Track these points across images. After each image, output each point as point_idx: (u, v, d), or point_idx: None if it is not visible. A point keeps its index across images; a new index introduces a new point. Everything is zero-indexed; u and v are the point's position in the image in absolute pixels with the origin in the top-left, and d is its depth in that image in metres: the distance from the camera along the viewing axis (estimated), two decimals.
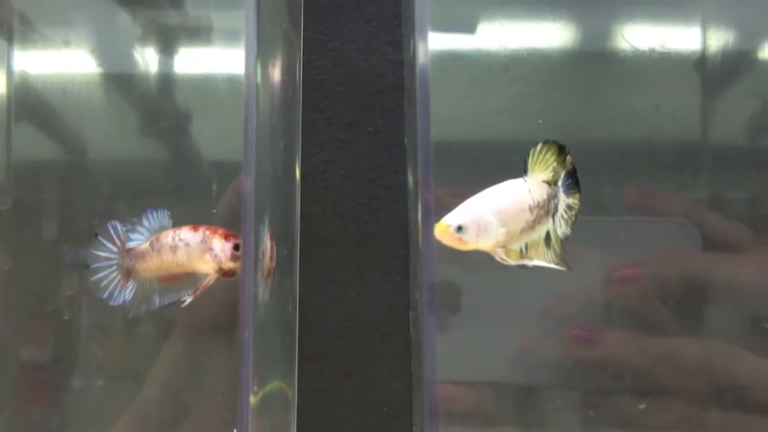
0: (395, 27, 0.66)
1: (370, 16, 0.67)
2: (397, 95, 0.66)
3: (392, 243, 0.66)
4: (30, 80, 0.62)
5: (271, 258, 0.53)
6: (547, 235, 0.51)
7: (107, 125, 0.62)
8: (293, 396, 0.64)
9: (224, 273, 0.52)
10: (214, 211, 0.58)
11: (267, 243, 0.52)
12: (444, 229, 0.47)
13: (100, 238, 0.55)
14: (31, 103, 0.62)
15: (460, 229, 0.48)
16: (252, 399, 0.47)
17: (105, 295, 0.54)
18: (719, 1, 0.59)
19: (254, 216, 0.48)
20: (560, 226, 0.51)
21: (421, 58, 0.50)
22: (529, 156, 0.50)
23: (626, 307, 0.56)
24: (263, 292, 0.52)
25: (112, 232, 0.55)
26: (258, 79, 0.49)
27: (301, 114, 0.66)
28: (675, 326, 0.56)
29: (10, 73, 0.62)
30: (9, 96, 0.61)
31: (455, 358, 0.56)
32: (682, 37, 0.58)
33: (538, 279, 0.53)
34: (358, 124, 0.67)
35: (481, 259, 0.51)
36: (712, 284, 0.56)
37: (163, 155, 0.62)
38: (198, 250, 0.53)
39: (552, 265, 0.50)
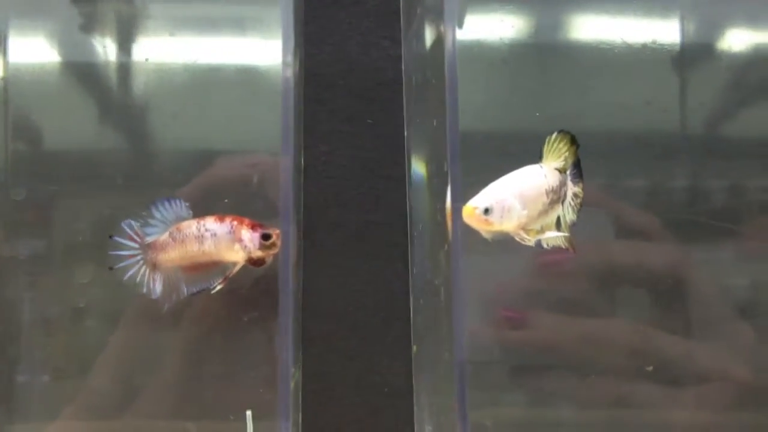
0: (394, 22, 0.69)
1: (369, 12, 0.69)
2: (395, 88, 0.68)
3: (392, 231, 0.68)
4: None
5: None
6: (557, 220, 0.55)
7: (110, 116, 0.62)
8: (299, 380, 0.66)
9: (253, 262, 0.54)
10: (226, 200, 0.59)
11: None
12: (471, 212, 0.51)
13: (117, 238, 0.55)
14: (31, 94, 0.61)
15: (486, 211, 0.51)
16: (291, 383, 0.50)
17: (144, 290, 0.55)
18: None
19: (294, 205, 0.50)
20: (568, 213, 0.55)
21: (449, 47, 0.52)
22: (544, 144, 0.54)
23: (552, 290, 0.60)
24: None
25: (128, 230, 0.55)
26: (296, 68, 0.51)
27: (302, 107, 0.67)
28: (596, 307, 0.60)
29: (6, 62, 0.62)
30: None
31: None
32: (677, 32, 0.62)
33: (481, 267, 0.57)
34: (358, 117, 0.69)
35: None
36: (626, 268, 0.60)
37: (165, 147, 0.62)
38: (227, 240, 0.54)
39: (558, 233, 0.54)
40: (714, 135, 0.62)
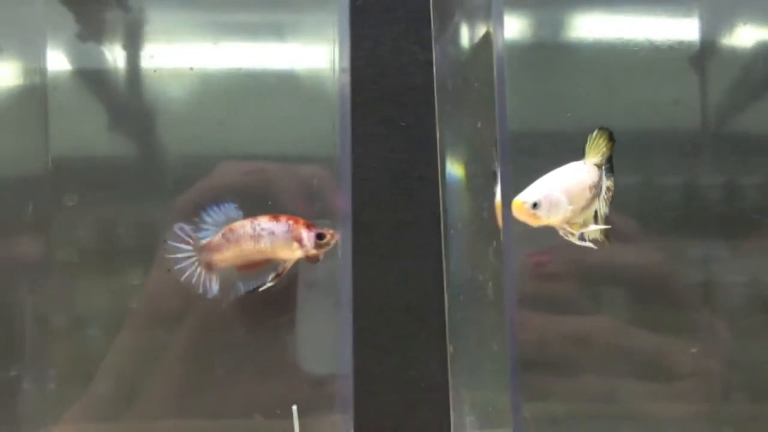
0: (424, 28, 0.71)
1: (399, 18, 0.71)
2: (426, 92, 0.71)
3: (425, 230, 0.71)
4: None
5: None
6: (594, 213, 0.58)
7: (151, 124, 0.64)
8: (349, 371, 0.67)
9: (309, 258, 0.57)
10: (269, 203, 0.60)
11: None
12: (520, 206, 0.53)
13: (171, 243, 0.57)
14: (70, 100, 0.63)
15: (535, 205, 0.53)
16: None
17: (201, 291, 0.57)
18: None
19: (349, 207, 0.53)
20: (603, 206, 0.58)
21: (499, 48, 0.54)
22: (587, 141, 0.56)
23: (540, 289, 0.63)
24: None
25: (181, 234, 0.57)
26: (349, 74, 0.53)
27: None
28: (582, 307, 0.63)
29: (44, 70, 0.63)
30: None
31: None
32: (700, 30, 0.65)
33: None
34: (390, 120, 0.71)
35: None
36: (608, 269, 0.63)
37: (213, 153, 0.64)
38: (284, 239, 0.56)
39: (599, 227, 0.56)
40: (741, 132, 0.64)
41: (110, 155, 0.62)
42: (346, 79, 0.55)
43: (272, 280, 0.57)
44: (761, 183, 0.63)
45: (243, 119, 0.62)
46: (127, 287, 0.60)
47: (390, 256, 0.70)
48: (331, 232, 0.57)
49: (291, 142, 0.62)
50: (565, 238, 0.55)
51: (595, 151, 0.56)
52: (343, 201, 0.56)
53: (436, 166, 0.70)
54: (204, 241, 0.57)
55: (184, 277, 0.57)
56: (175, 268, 0.57)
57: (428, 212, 0.70)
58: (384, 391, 0.70)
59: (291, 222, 0.57)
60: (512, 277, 0.54)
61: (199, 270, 0.57)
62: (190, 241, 0.57)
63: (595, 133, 0.56)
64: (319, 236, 0.57)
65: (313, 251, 0.57)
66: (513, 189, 0.55)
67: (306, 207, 0.59)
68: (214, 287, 0.57)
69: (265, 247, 0.57)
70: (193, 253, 0.57)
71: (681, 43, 0.64)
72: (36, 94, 0.61)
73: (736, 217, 0.63)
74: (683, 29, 0.64)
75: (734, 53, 0.65)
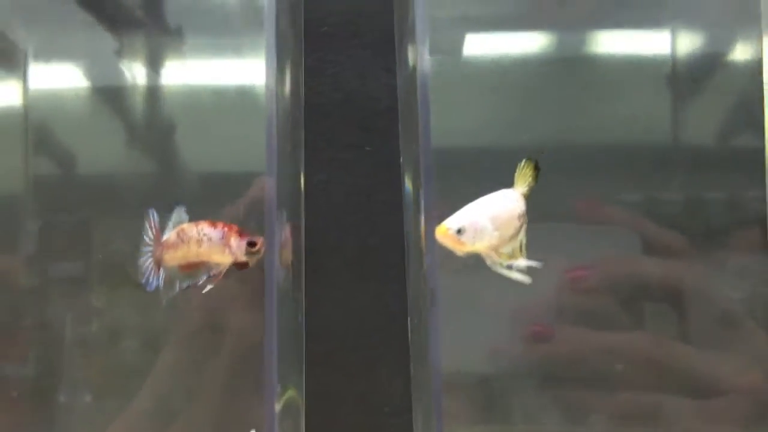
0: (389, 53, 0.72)
1: (365, 44, 0.72)
2: (391, 117, 0.71)
3: (389, 254, 0.71)
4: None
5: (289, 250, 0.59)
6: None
7: (111, 138, 0.66)
8: (302, 401, 0.68)
9: (238, 265, 0.58)
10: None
11: (286, 236, 0.59)
12: (444, 232, 0.53)
13: (146, 224, 0.60)
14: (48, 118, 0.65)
15: (459, 231, 0.53)
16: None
17: (143, 281, 0.59)
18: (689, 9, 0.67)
19: (275, 214, 0.54)
20: (524, 236, 0.58)
21: (421, 67, 0.56)
22: (516, 170, 0.57)
23: (579, 304, 0.63)
24: (284, 280, 0.57)
25: (152, 220, 0.60)
26: (276, 85, 0.55)
27: (303, 135, 0.70)
28: (621, 321, 0.63)
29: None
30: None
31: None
32: (655, 46, 0.66)
33: (503, 283, 0.59)
34: (356, 145, 0.72)
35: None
36: (651, 284, 0.63)
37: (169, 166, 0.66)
38: (218, 245, 0.58)
39: (531, 263, 0.57)
40: (699, 148, 0.65)
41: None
42: (272, 98, 0.56)
43: (206, 281, 0.59)
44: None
45: (192, 137, 0.64)
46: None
47: (355, 279, 0.71)
48: (261, 240, 0.58)
49: (240, 160, 0.63)
50: (492, 268, 0.55)
51: (522, 181, 0.57)
52: (270, 216, 0.58)
53: (399, 189, 0.70)
54: (164, 239, 0.59)
55: (138, 263, 0.59)
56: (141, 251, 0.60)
57: (392, 236, 0.71)
58: (348, 415, 0.70)
59: (225, 229, 0.58)
60: (436, 307, 0.54)
61: (149, 263, 0.59)
62: (153, 232, 0.59)
63: (522, 162, 0.57)
64: (250, 244, 0.58)
65: (243, 258, 0.58)
66: (438, 210, 0.56)
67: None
68: (153, 282, 0.59)
69: (204, 251, 0.59)
70: (151, 246, 0.59)
71: (637, 58, 0.64)
72: None
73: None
74: (617, 44, 0.65)
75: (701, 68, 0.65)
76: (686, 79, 0.66)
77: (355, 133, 0.72)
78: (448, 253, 0.55)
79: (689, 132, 0.66)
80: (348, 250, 0.71)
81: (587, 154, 0.65)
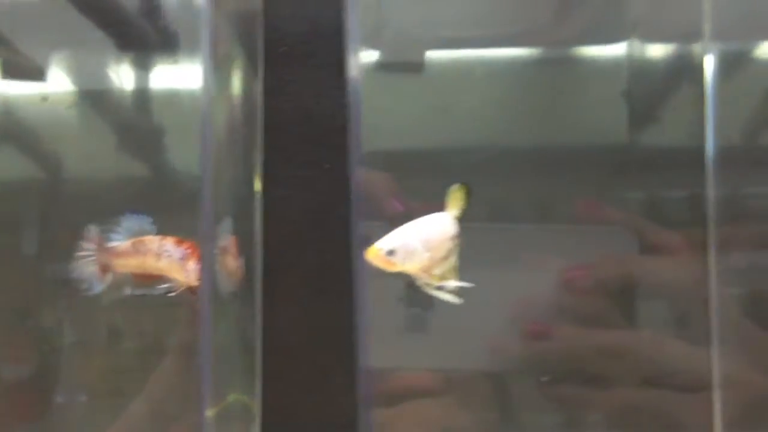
0: (345, 72, 0.72)
1: (322, 63, 0.73)
2: (345, 134, 0.72)
3: (346, 270, 0.72)
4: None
5: (238, 264, 0.60)
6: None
7: (76, 143, 0.70)
8: (257, 411, 0.69)
9: (190, 290, 0.60)
10: None
11: (231, 247, 0.60)
12: (375, 252, 0.54)
13: (81, 242, 0.63)
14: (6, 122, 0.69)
15: (390, 253, 0.54)
16: (209, 412, 0.54)
17: (83, 287, 0.63)
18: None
19: (210, 219, 0.55)
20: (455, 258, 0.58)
21: (353, 75, 0.57)
22: (449, 194, 0.57)
23: (576, 304, 0.63)
24: (227, 294, 0.59)
25: (89, 235, 0.63)
26: (214, 90, 0.57)
27: (262, 152, 0.72)
28: (618, 320, 0.63)
29: None
30: None
31: (428, 349, 0.65)
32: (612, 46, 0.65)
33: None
34: (314, 162, 0.73)
35: None
36: (647, 283, 0.63)
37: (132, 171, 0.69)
38: (179, 264, 0.60)
39: (463, 284, 0.57)
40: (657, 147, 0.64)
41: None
42: (208, 107, 0.57)
43: (163, 293, 0.61)
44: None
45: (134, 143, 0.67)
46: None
47: (311, 295, 0.72)
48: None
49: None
50: (423, 288, 0.56)
51: (455, 204, 0.57)
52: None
53: None
54: (111, 244, 0.62)
55: (74, 271, 0.62)
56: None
57: (349, 252, 0.72)
58: (303, 429, 0.71)
59: (189, 251, 0.60)
60: (363, 323, 0.55)
61: (92, 267, 0.61)
62: (94, 242, 0.62)
63: (456, 186, 0.57)
64: None
65: (196, 283, 0.59)
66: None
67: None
68: (97, 286, 0.61)
69: (163, 266, 0.61)
70: (92, 253, 0.62)
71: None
72: None
73: None
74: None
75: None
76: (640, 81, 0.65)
77: (314, 150, 0.73)
78: None
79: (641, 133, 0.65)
80: (306, 266, 0.72)
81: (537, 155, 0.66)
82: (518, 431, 0.65)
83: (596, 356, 0.63)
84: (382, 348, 0.65)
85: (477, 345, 0.65)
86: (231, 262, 0.61)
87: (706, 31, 0.62)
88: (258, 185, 0.71)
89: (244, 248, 0.67)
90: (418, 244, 0.55)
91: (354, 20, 0.59)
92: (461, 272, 0.62)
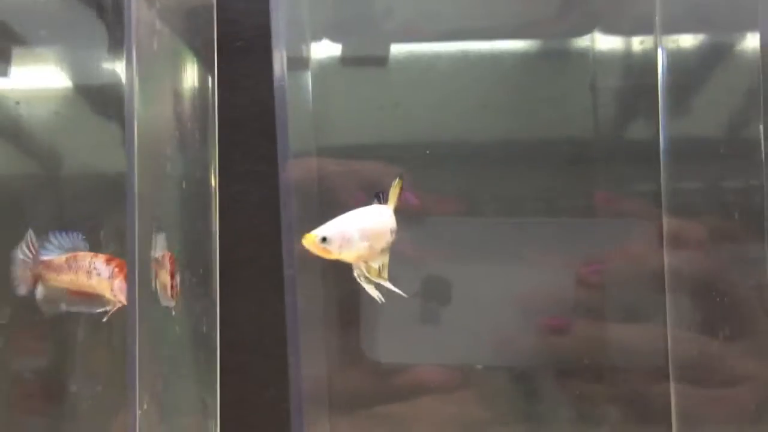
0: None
1: None
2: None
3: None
4: None
5: (172, 284, 0.59)
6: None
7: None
8: (215, 406, 0.70)
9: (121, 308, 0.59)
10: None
11: (166, 263, 0.59)
12: (311, 240, 0.54)
13: (23, 243, 0.63)
14: None
15: (324, 240, 0.54)
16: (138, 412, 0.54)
17: (15, 287, 0.63)
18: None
19: (135, 216, 0.54)
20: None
21: (278, 72, 0.56)
22: (390, 188, 0.57)
23: (593, 297, 0.64)
24: (164, 312, 0.59)
25: (28, 240, 0.63)
26: (137, 88, 0.55)
27: (217, 147, 0.72)
28: (636, 314, 0.64)
29: None
30: None
31: (442, 343, 0.65)
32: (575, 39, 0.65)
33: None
34: (270, 157, 0.73)
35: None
36: (668, 275, 0.63)
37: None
38: (106, 283, 0.59)
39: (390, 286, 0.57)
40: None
41: None
42: (132, 100, 0.56)
43: (101, 313, 0.60)
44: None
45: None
46: None
47: (269, 290, 0.72)
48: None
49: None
50: (358, 280, 0.56)
51: (393, 198, 0.57)
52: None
53: None
54: (45, 258, 0.61)
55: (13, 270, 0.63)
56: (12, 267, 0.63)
57: None
58: (261, 423, 0.72)
59: (116, 269, 0.59)
60: (295, 316, 0.55)
61: (26, 277, 0.62)
62: (31, 250, 0.62)
63: (396, 180, 0.57)
64: None
65: (122, 302, 0.58)
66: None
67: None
68: (23, 289, 0.62)
69: (94, 285, 0.60)
70: (28, 262, 0.62)
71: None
72: None
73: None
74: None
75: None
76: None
77: (270, 145, 0.73)
78: None
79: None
80: (263, 260, 0.72)
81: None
82: (532, 425, 0.66)
83: (611, 350, 0.63)
84: (394, 343, 0.65)
85: (490, 339, 0.66)
86: (165, 278, 0.59)
87: (657, 25, 0.62)
88: (214, 180, 0.71)
89: (196, 259, 0.67)
90: (354, 233, 0.55)
91: (278, 18, 0.58)
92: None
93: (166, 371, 0.60)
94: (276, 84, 0.57)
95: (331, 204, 0.64)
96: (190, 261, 0.65)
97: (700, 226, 0.62)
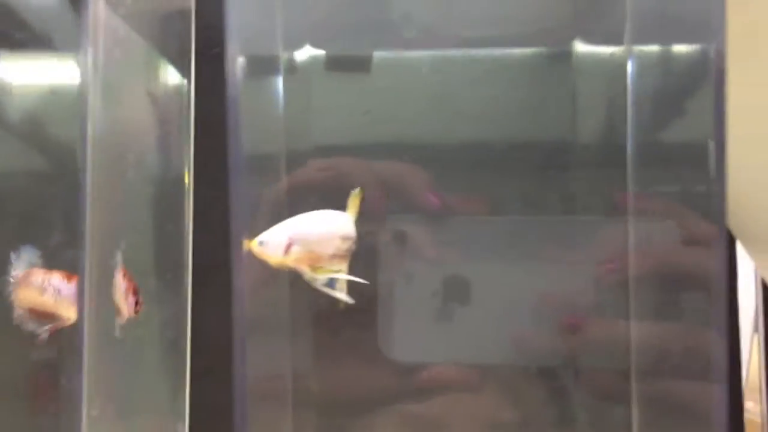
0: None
1: None
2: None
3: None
4: None
5: (131, 297, 0.59)
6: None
7: None
8: (184, 409, 0.70)
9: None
10: None
11: (120, 283, 0.58)
12: (251, 243, 0.55)
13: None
14: None
15: (261, 243, 0.54)
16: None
17: None
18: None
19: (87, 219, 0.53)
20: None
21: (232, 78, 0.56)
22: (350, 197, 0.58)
23: (612, 296, 0.63)
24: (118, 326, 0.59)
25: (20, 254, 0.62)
26: (92, 97, 0.56)
27: (192, 151, 0.72)
28: (655, 313, 0.62)
29: None
30: None
31: (461, 343, 0.65)
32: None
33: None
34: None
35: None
36: (686, 275, 0.62)
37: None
38: (70, 300, 0.58)
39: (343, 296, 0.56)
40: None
41: None
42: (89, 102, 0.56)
43: (46, 331, 0.59)
44: None
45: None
46: None
47: None
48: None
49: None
50: (311, 283, 0.56)
51: (353, 209, 0.57)
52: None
53: None
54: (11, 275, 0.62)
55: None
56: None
57: None
58: (230, 427, 0.72)
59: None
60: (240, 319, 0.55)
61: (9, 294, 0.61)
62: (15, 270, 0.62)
63: (357, 190, 0.57)
64: None
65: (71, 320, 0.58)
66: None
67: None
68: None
69: (48, 302, 0.59)
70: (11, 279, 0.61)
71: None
72: None
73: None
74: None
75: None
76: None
77: None
78: None
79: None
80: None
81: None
82: (551, 424, 0.65)
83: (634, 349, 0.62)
84: (413, 342, 0.65)
85: (507, 338, 0.65)
86: (119, 297, 0.58)
87: (627, 33, 0.60)
88: (188, 185, 0.71)
89: (164, 265, 0.67)
90: (296, 238, 0.54)
91: (232, 21, 0.58)
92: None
93: (127, 376, 0.61)
94: (228, 90, 0.57)
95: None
96: (157, 267, 0.66)
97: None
